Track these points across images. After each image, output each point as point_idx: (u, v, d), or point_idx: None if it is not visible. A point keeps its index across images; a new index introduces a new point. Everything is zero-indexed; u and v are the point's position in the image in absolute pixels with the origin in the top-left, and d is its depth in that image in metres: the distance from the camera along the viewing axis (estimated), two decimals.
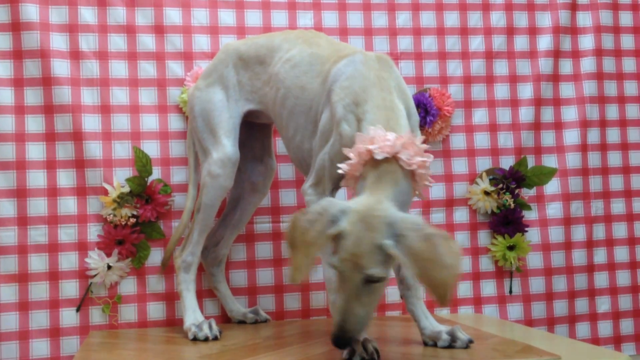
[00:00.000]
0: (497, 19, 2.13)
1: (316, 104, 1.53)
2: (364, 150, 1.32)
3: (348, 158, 1.36)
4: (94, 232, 1.84)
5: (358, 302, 1.24)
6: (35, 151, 1.83)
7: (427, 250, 1.19)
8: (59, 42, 1.86)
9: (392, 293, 2.00)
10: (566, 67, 2.17)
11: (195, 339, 1.60)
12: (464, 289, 2.05)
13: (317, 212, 1.27)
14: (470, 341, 1.44)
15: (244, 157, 1.83)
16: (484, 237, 2.08)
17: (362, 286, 1.24)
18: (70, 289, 1.82)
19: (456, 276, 1.19)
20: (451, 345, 1.44)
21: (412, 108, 1.49)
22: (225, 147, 1.66)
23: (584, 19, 2.19)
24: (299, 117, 1.56)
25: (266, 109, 1.68)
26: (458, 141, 2.08)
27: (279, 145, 1.96)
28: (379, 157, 1.30)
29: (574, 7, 2.17)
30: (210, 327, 1.61)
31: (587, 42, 2.18)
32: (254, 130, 1.83)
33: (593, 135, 2.17)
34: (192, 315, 1.65)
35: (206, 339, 1.59)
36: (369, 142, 1.32)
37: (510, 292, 2.08)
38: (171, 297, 1.87)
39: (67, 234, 1.83)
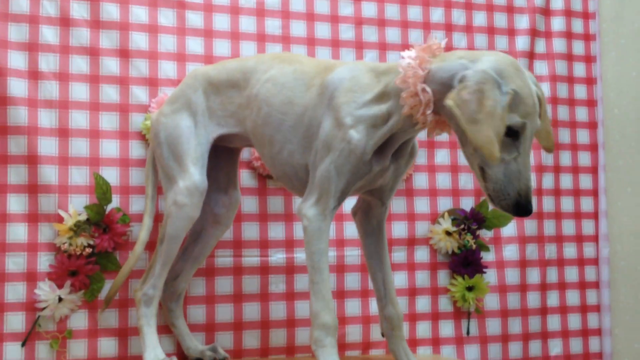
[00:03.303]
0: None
1: (310, 117, 1.50)
2: (421, 51, 1.35)
3: (356, 169, 1.39)
4: (44, 261, 1.73)
5: (529, 160, 1.29)
6: None
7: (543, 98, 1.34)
8: (17, 60, 1.77)
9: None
10: None
11: None
12: (423, 330, 2.04)
13: (479, 82, 1.24)
14: None
15: (208, 188, 1.78)
16: (443, 277, 2.08)
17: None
18: (15, 322, 1.70)
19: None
20: None
21: None
22: (193, 175, 1.61)
23: (541, 67, 2.26)
24: (287, 132, 1.53)
25: (244, 131, 1.64)
26: (421, 180, 2.09)
27: (243, 177, 1.92)
28: (442, 42, 1.37)
29: (531, 56, 2.25)
30: None
31: (542, 89, 2.24)
32: (219, 160, 1.78)
33: (547, 181, 2.22)
34: (153, 352, 1.57)
35: None
36: (412, 57, 1.36)
37: (468, 333, 2.08)
38: (124, 333, 1.77)
39: (15, 262, 1.71)
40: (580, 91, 2.30)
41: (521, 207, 1.24)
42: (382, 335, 1.54)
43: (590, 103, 2.31)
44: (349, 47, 2.07)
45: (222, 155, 1.78)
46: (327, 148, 1.42)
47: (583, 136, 2.29)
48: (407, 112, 1.37)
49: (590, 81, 2.31)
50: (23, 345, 1.70)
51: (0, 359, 1.67)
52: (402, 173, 1.54)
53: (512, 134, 1.26)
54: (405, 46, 2.12)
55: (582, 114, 2.30)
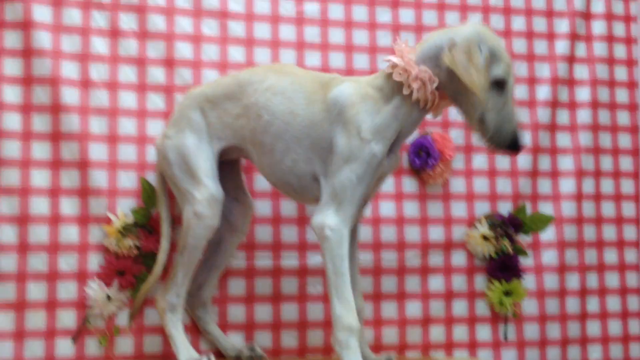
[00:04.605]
0: None
1: (317, 131, 1.59)
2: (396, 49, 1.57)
3: (375, 173, 1.55)
4: (94, 261, 1.82)
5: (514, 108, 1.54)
6: (40, 178, 1.82)
7: None
8: (69, 70, 1.87)
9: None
10: (563, 117, 2.22)
11: None
12: (460, 333, 2.06)
13: (467, 43, 1.50)
14: None
15: None
16: (480, 281, 2.09)
17: None
18: (67, 318, 1.79)
19: None
20: None
21: None
22: (209, 187, 1.66)
23: (581, 71, 2.25)
24: (290, 141, 1.61)
25: (242, 141, 1.70)
26: (458, 185, 2.11)
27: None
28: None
29: (571, 60, 2.24)
30: None
31: (583, 94, 2.24)
32: (223, 170, 1.80)
33: (588, 185, 2.21)
34: (186, 352, 1.64)
35: None
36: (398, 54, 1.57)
37: (506, 337, 2.09)
38: None
39: (67, 262, 1.81)
40: (622, 95, 2.28)
41: (515, 143, 1.52)
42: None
43: (632, 107, 2.29)
44: (385, 54, 2.10)
45: (224, 167, 1.82)
46: (346, 159, 1.53)
47: (624, 140, 2.27)
48: (416, 95, 1.54)
49: (631, 85, 2.29)
50: (74, 340, 1.80)
51: (53, 354, 1.77)
52: (388, 174, 1.68)
53: (498, 85, 1.52)
54: None
55: (623, 118, 2.28)
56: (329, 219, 1.51)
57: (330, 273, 1.49)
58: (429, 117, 2.07)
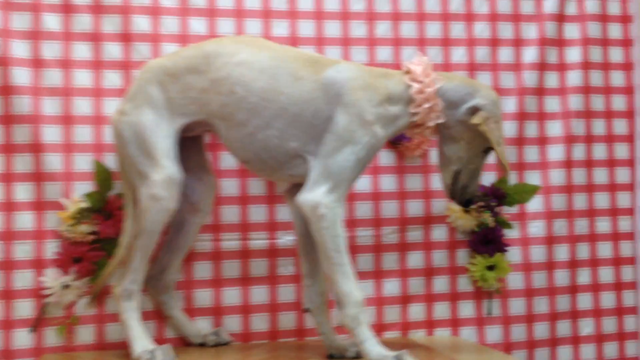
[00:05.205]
0: (481, 30, 2.06)
1: (308, 109, 1.56)
2: (423, 66, 1.59)
3: (370, 160, 1.57)
4: (51, 249, 1.76)
5: None
6: None
7: None
8: (19, 49, 1.78)
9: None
10: (552, 80, 2.10)
11: None
12: (441, 311, 1.98)
13: (497, 113, 1.60)
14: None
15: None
16: (462, 256, 2.01)
17: None
18: (24, 308, 1.74)
19: None
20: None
21: None
22: (166, 168, 1.58)
23: (571, 31, 2.12)
24: (269, 118, 1.56)
25: (208, 116, 1.61)
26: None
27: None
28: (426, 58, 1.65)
29: (560, 19, 2.10)
30: (165, 353, 1.54)
31: (573, 54, 2.11)
32: (184, 149, 1.71)
33: (578, 151, 2.10)
34: (141, 342, 1.57)
35: None
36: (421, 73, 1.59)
37: (489, 313, 2.00)
38: None
39: (22, 250, 1.75)
40: (616, 54, 2.15)
41: (469, 202, 1.67)
42: (306, 310, 1.70)
43: (627, 66, 2.16)
44: (359, 19, 1.99)
45: (186, 144, 1.72)
46: (346, 141, 1.53)
47: (618, 102, 2.15)
48: (417, 117, 1.57)
49: (626, 43, 2.16)
50: (32, 331, 1.75)
51: (10, 345, 1.73)
52: None
53: (486, 152, 1.65)
54: (421, 16, 2.02)
55: (617, 78, 2.15)
56: (324, 198, 1.50)
57: (329, 251, 1.50)
58: None
